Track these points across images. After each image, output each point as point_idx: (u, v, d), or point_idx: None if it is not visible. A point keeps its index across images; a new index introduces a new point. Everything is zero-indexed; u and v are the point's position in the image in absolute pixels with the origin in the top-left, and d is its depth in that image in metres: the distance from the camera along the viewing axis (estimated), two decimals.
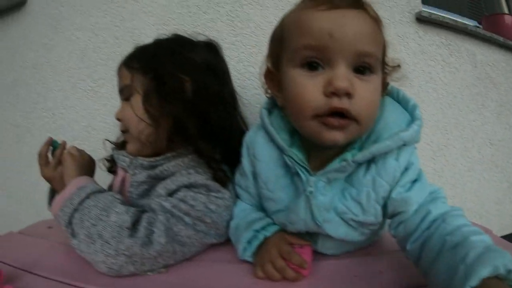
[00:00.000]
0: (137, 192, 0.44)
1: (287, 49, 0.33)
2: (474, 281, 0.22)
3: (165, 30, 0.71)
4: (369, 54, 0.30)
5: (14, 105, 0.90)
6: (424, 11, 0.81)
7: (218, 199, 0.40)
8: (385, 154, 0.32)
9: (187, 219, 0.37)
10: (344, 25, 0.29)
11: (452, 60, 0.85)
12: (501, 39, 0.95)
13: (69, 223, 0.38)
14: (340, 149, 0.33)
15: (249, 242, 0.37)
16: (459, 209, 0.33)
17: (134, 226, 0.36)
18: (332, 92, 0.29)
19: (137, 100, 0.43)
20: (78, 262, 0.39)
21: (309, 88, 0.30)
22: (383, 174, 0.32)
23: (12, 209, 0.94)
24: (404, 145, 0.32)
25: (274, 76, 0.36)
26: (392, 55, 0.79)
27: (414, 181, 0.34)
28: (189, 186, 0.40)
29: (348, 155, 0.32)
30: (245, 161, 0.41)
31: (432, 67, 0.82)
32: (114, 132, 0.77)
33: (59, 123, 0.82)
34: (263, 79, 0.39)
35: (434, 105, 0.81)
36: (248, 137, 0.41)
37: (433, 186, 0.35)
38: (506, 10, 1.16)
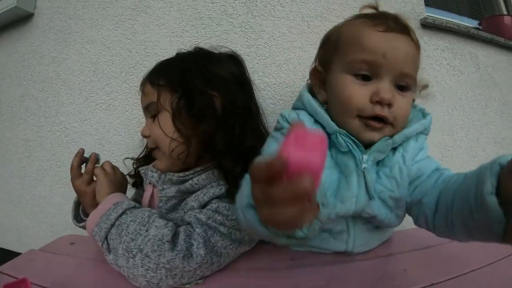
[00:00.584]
0: (166, 206, 0.45)
1: (343, 57, 0.39)
2: (496, 166, 0.23)
3: (178, 42, 0.73)
4: (410, 75, 0.37)
5: (25, 119, 0.90)
6: (428, 16, 0.83)
7: None
8: (409, 138, 0.40)
9: (222, 229, 0.39)
10: (396, 49, 0.36)
11: (456, 63, 0.87)
12: (501, 40, 0.98)
13: (106, 238, 0.39)
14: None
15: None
16: None
17: (173, 239, 0.37)
18: (377, 101, 0.36)
19: (166, 117, 0.43)
20: (109, 278, 0.40)
21: (358, 93, 0.37)
22: (409, 150, 0.39)
23: (24, 224, 0.94)
24: (422, 133, 0.41)
25: (320, 75, 0.43)
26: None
27: (426, 158, 0.42)
28: (221, 197, 0.41)
29: (388, 137, 0.38)
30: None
31: (438, 71, 0.84)
32: (128, 145, 0.78)
33: (72, 137, 0.82)
34: (310, 75, 0.45)
35: (440, 108, 0.84)
36: (290, 116, 0.42)
37: (436, 162, 0.42)
38: (504, 11, 1.19)
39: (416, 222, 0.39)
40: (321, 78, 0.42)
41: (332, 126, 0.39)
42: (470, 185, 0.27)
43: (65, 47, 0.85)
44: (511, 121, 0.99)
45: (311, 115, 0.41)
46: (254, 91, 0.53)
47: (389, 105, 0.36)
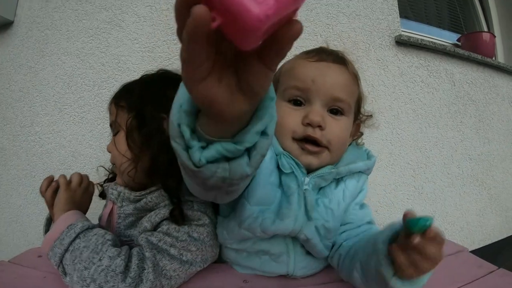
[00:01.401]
0: (124, 223, 0.46)
1: (281, 86, 0.42)
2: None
3: (150, 58, 0.73)
4: (341, 99, 0.39)
5: (1, 127, 0.90)
6: (403, 34, 0.84)
7: (199, 227, 0.42)
8: (351, 175, 0.42)
9: (173, 251, 0.39)
10: (324, 75, 0.39)
11: (431, 80, 0.88)
12: (479, 57, 0.99)
13: (60, 262, 0.39)
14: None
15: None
16: None
17: (126, 266, 0.38)
18: (307, 123, 0.38)
19: (121, 136, 0.45)
20: None
21: (291, 117, 0.39)
22: (350, 188, 0.42)
23: (1, 231, 0.94)
24: (364, 173, 0.43)
25: None
26: (372, 79, 0.81)
27: (363, 205, 0.44)
28: (171, 220, 0.42)
29: (332, 166, 0.40)
30: None
31: (411, 88, 0.85)
32: (100, 158, 0.79)
33: (46, 148, 0.83)
34: None
35: (413, 125, 0.85)
36: None
37: (371, 216, 0.45)
38: (484, 26, 1.20)
39: (330, 257, 0.42)
40: None
41: (277, 147, 0.41)
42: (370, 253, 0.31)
43: (41, 57, 0.85)
44: (486, 138, 1.00)
45: None
46: None
47: (320, 127, 0.38)
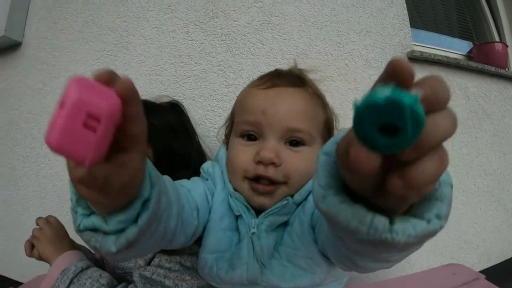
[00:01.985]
0: None
1: (234, 120, 0.39)
2: None
3: (157, 81, 0.73)
4: (299, 130, 0.35)
5: (11, 148, 0.91)
6: (415, 50, 0.82)
7: (191, 256, 0.42)
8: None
9: (167, 282, 0.40)
10: (276, 104, 0.34)
11: None
12: (492, 69, 0.95)
13: None
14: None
15: None
16: None
17: None
18: (259, 161, 0.34)
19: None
20: None
21: (243, 154, 0.35)
22: (310, 199, 0.36)
23: (11, 250, 0.95)
24: None
25: (227, 136, 0.43)
26: None
27: None
28: (163, 251, 0.42)
29: (286, 198, 0.35)
30: (210, 183, 0.40)
31: None
32: None
33: (55, 170, 0.83)
34: (223, 138, 0.45)
35: None
36: (210, 168, 0.41)
37: None
38: (496, 36, 1.17)
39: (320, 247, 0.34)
40: (227, 141, 0.42)
41: (228, 187, 0.38)
42: None
43: (50, 79, 0.86)
44: (502, 151, 0.96)
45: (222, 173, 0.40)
46: (196, 136, 0.55)
47: (274, 164, 0.33)
